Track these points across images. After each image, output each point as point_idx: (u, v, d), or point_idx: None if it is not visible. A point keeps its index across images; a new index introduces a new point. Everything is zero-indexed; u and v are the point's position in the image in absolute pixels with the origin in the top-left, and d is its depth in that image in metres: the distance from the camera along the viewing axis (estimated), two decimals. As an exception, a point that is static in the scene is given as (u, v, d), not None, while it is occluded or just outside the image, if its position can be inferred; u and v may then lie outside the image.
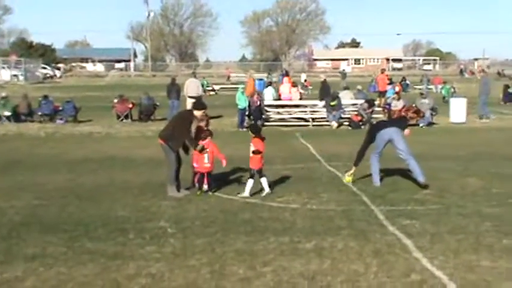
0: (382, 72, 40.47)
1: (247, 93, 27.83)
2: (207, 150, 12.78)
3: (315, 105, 29.34)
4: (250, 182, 12.62)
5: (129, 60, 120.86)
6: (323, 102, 28.65)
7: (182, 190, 12.91)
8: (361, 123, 26.78)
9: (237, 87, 30.16)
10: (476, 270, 8.00)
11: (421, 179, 13.21)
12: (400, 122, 13.51)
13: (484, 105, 30.15)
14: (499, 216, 10.85)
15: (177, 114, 14.49)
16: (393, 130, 13.44)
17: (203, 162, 12.76)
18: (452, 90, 44.35)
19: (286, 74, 32.86)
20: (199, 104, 13.66)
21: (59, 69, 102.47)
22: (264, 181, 12.73)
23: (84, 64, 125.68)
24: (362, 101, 28.24)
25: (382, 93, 36.63)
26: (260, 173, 12.74)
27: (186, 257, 8.69)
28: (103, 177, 15.12)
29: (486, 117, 29.55)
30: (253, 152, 12.68)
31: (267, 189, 12.71)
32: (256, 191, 12.70)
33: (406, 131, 13.57)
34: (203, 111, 13.18)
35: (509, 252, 8.78)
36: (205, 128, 13.20)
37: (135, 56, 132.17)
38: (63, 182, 14.56)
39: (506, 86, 42.38)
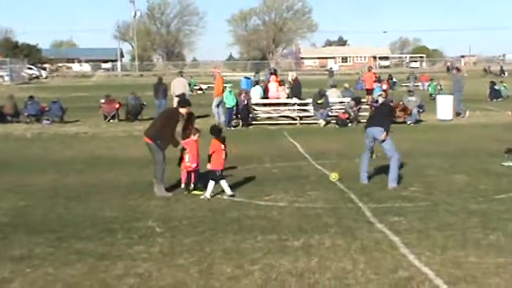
0: (369, 70, 40.56)
1: (216, 93, 27.82)
2: (187, 150, 12.78)
3: (302, 104, 29.37)
4: (211, 184, 12.44)
5: (115, 60, 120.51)
6: (295, 100, 28.75)
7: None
8: (348, 121, 26.83)
9: (225, 86, 30.13)
10: (463, 266, 8.03)
11: (391, 183, 13.16)
12: (384, 122, 13.39)
13: (459, 103, 30.25)
14: (486, 212, 10.91)
15: (163, 113, 14.46)
16: (377, 130, 13.40)
17: (185, 162, 12.78)
18: (439, 87, 44.53)
19: (274, 73, 32.76)
20: (183, 101, 13.70)
21: (44, 69, 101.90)
22: (223, 183, 12.49)
23: (70, 64, 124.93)
24: (349, 99, 28.28)
25: (369, 91, 36.69)
26: (219, 175, 12.50)
27: (174, 256, 8.68)
28: (90, 178, 15.08)
29: (461, 115, 29.65)
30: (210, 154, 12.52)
31: (228, 192, 12.46)
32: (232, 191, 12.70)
33: (383, 135, 13.34)
34: (188, 108, 13.20)
35: (496, 248, 8.83)
36: (191, 127, 13.17)
37: (122, 55, 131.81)
38: (50, 182, 14.51)
39: (492, 83, 42.60)
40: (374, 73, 41.41)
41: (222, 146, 12.48)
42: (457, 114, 29.60)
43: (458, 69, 37.35)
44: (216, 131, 12.69)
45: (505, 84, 43.73)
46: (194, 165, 12.86)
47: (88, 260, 8.52)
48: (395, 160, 13.26)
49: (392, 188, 13.01)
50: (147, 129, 13.30)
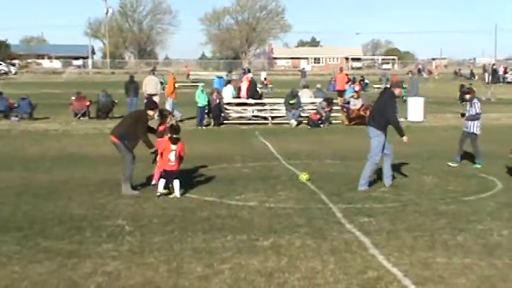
0: (341, 71, 40.70)
1: (167, 93, 27.62)
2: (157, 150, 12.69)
3: (274, 104, 29.41)
4: (163, 181, 12.41)
5: (86, 57, 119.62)
6: (251, 100, 28.73)
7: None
8: (319, 122, 26.90)
9: (197, 85, 30.04)
10: (432, 267, 8.09)
11: (386, 182, 13.30)
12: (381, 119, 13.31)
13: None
14: (454, 213, 11.01)
15: (132, 114, 14.40)
16: (370, 129, 13.39)
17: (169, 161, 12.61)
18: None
19: (247, 73, 32.71)
20: (151, 103, 13.82)
21: (14, 65, 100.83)
22: (177, 184, 12.41)
23: (40, 60, 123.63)
24: (321, 100, 28.36)
25: (341, 92, 36.81)
26: (174, 175, 12.42)
27: (144, 255, 8.63)
28: (59, 175, 14.94)
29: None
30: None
31: (177, 193, 12.37)
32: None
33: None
34: (156, 110, 13.23)
35: (463, 249, 8.91)
36: (167, 126, 13.09)
37: (93, 53, 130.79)
38: (18, 179, 14.34)
39: (462, 86, 43.00)
40: (346, 74, 41.55)
41: (173, 146, 12.36)
42: None
43: (412, 73, 37.69)
44: (171, 130, 12.65)
45: (474, 88, 44.14)
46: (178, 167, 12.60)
47: (56, 259, 8.43)
48: (370, 163, 13.24)
49: (387, 184, 13.24)
50: (114, 128, 13.22)
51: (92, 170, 15.53)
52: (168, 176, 12.35)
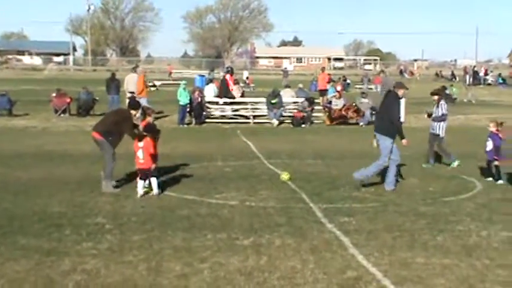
0: (323, 71, 40.72)
1: (137, 93, 27.16)
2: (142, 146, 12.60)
3: (256, 103, 29.40)
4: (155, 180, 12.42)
5: (68, 54, 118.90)
6: (224, 100, 28.65)
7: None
8: (302, 121, 26.91)
9: (179, 83, 29.95)
10: (411, 267, 8.13)
11: (387, 186, 13.20)
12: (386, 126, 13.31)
13: None
14: (434, 214, 11.06)
15: (117, 112, 14.24)
16: (378, 135, 13.35)
17: (138, 159, 12.55)
18: (391, 90, 45.01)
19: (230, 72, 32.59)
20: (134, 103, 13.81)
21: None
22: (154, 183, 12.36)
23: (20, 57, 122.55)
24: (303, 99, 28.38)
25: (323, 92, 36.84)
26: (150, 173, 12.36)
27: (123, 253, 8.59)
28: (39, 172, 14.83)
29: None
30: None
31: (155, 191, 12.32)
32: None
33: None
34: (137, 111, 13.23)
35: (443, 249, 8.96)
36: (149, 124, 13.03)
37: (75, 49, 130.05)
38: (-3, 176, 14.23)
39: (444, 87, 43.21)
40: (328, 74, 41.58)
41: (139, 143, 12.30)
42: None
43: (383, 72, 37.91)
44: (144, 128, 12.64)
45: (454, 89, 44.36)
46: (143, 162, 12.51)
47: (34, 256, 8.37)
48: (376, 165, 13.24)
49: (387, 189, 13.07)
50: (96, 125, 13.20)
51: (72, 168, 15.44)
52: (142, 174, 12.30)
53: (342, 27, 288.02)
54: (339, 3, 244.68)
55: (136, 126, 13.00)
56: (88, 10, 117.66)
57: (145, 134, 12.43)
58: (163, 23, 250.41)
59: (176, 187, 12.93)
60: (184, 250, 8.75)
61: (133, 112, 13.06)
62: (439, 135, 16.69)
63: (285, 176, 13.95)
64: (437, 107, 16.68)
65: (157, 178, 12.41)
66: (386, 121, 13.27)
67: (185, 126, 26.22)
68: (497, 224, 10.40)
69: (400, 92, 13.58)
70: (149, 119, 13.01)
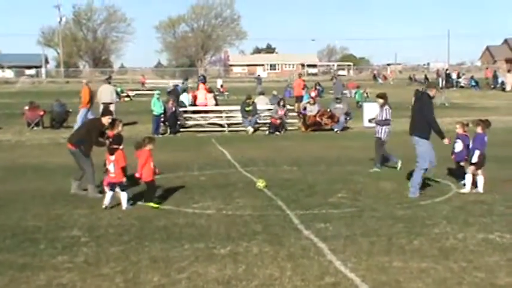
0: (299, 77, 40.81)
1: (82, 104, 26.87)
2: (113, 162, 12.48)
3: (230, 111, 29.39)
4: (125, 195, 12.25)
5: (40, 67, 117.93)
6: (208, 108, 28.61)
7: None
8: (278, 127, 26.92)
9: (153, 93, 29.86)
10: (388, 271, 8.14)
11: (411, 193, 13.10)
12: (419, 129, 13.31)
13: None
14: (411, 218, 11.11)
15: (88, 121, 14.73)
16: (414, 139, 13.44)
17: (109, 172, 12.41)
18: (365, 95, 45.24)
19: (203, 80, 32.55)
20: (107, 111, 14.24)
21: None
22: (124, 197, 12.14)
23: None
24: (275, 105, 28.36)
25: (298, 98, 36.94)
26: (119, 186, 12.20)
27: (100, 266, 8.51)
28: (13, 186, 14.68)
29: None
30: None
31: (124, 205, 12.08)
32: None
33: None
34: (109, 117, 13.45)
35: (420, 253, 8.99)
36: (115, 134, 12.99)
37: (47, 62, 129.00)
38: (-30, 191, 14.05)
39: (418, 91, 43.56)
40: (303, 80, 41.69)
41: (111, 157, 12.22)
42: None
43: (335, 76, 38.05)
44: (112, 140, 12.63)
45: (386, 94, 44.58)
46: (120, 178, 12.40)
47: (8, 272, 8.26)
48: (418, 169, 13.19)
49: (410, 197, 12.95)
50: (70, 136, 13.71)
51: (47, 181, 15.30)
52: (112, 187, 12.20)
53: (315, 34, 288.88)
54: (312, 10, 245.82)
55: (103, 133, 13.12)
56: (60, 22, 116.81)
57: (115, 146, 12.35)
58: (136, 33, 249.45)
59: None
60: (162, 261, 8.70)
61: (104, 120, 13.29)
62: (380, 138, 16.85)
63: (260, 183, 13.94)
64: (381, 111, 16.82)
65: (126, 191, 12.26)
66: (422, 123, 13.24)
67: (160, 136, 26.12)
68: (473, 226, 10.47)
69: (432, 92, 13.75)
70: (119, 130, 13.05)
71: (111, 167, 12.19)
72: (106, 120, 13.33)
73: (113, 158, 12.18)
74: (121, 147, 12.47)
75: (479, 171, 13.44)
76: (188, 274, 8.11)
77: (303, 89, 38.94)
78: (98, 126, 13.31)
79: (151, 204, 12.17)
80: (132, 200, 12.41)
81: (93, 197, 12.83)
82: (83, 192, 13.14)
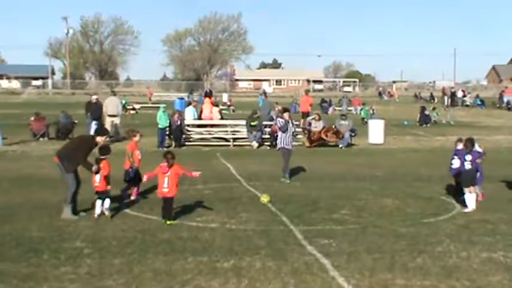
0: (306, 94, 40.77)
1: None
2: (101, 171, 12.55)
3: (236, 125, 29.41)
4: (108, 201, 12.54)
5: (46, 78, 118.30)
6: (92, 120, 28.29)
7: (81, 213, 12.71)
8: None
9: (158, 106, 29.90)
10: (391, 289, 8.14)
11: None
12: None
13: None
14: (414, 235, 11.11)
15: (78, 138, 14.14)
16: None
17: (95, 182, 12.59)
18: (371, 111, 45.22)
19: (209, 94, 32.61)
20: (102, 129, 13.99)
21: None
22: (107, 203, 12.49)
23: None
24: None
25: (305, 114, 36.89)
26: (105, 194, 12.53)
27: (103, 278, 8.53)
28: (17, 197, 14.71)
29: None
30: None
31: (106, 212, 12.47)
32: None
33: None
34: (106, 137, 13.26)
35: (423, 271, 8.99)
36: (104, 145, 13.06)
37: (53, 73, 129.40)
38: (-26, 201, 14.08)
39: (423, 108, 43.54)
40: (310, 96, 41.59)
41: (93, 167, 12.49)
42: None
43: (265, 94, 37.78)
44: (99, 150, 12.83)
45: (436, 111, 44.58)
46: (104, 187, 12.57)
47: (12, 282, 8.29)
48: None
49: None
50: (59, 150, 13.07)
51: (52, 192, 15.30)
52: (99, 196, 12.46)
53: (321, 50, 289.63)
54: (318, 26, 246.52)
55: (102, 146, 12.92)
56: (67, 33, 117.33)
57: (102, 157, 12.55)
58: (142, 46, 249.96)
59: (156, 211, 12.83)
60: (165, 273, 8.72)
61: (99, 139, 12.93)
62: (290, 149, 17.95)
63: (265, 198, 13.95)
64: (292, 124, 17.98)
65: (110, 199, 12.58)
66: None
67: (165, 149, 26.12)
68: (477, 245, 10.46)
69: None
70: (104, 139, 13.06)
71: (96, 177, 12.43)
72: (101, 139, 12.90)
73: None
74: (107, 156, 12.74)
75: (471, 189, 13.51)
76: (191, 287, 8.12)
77: (310, 105, 38.87)
78: (90, 145, 12.81)
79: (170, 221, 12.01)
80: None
81: (66, 218, 12.22)
82: (75, 217, 12.37)
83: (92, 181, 12.52)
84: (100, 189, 12.41)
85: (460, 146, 14.63)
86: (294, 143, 18.90)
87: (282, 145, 17.80)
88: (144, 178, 12.78)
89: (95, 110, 29.67)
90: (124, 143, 15.96)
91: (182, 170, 12.34)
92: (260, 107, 32.62)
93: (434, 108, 45.88)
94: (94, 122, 27.44)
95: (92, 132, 18.48)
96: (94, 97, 30.56)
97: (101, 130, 13.77)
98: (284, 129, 17.69)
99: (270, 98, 66.74)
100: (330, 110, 56.26)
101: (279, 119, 18.42)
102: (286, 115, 18.19)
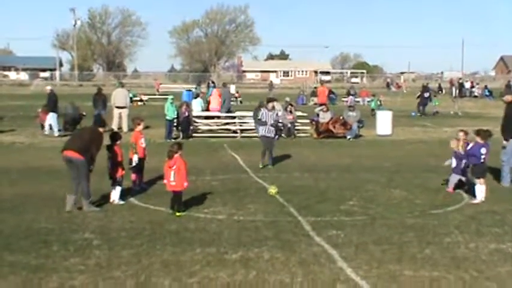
0: (322, 85, 40.71)
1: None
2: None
3: (243, 117, 29.41)
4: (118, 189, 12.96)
5: (54, 69, 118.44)
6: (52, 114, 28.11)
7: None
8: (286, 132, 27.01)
9: (166, 98, 29.91)
10: (399, 280, 8.14)
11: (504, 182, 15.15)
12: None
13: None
14: (422, 226, 11.10)
15: (88, 131, 13.45)
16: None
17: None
18: (378, 103, 45.12)
19: (213, 86, 32.65)
20: (101, 121, 13.90)
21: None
22: (118, 189, 12.98)
23: (6, 72, 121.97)
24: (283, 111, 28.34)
25: (323, 105, 36.84)
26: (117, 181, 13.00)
27: (111, 269, 8.56)
28: (26, 188, 14.76)
29: None
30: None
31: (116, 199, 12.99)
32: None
33: None
34: (105, 127, 13.41)
35: (431, 261, 8.98)
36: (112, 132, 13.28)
37: (61, 65, 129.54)
38: (-17, 193, 14.14)
39: (425, 88, 43.40)
40: (326, 87, 41.52)
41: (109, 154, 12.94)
42: None
43: (224, 85, 36.79)
44: (115, 138, 13.18)
45: (435, 101, 44.44)
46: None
47: (21, 273, 8.33)
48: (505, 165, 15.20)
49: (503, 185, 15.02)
50: (72, 144, 12.58)
51: (60, 183, 15.32)
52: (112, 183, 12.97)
53: (328, 41, 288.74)
54: (326, 17, 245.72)
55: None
56: (74, 25, 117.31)
57: (112, 144, 12.94)
58: (150, 37, 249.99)
59: (164, 202, 12.87)
60: (173, 265, 8.74)
61: (101, 130, 13.07)
62: (274, 138, 19.01)
63: (272, 189, 13.96)
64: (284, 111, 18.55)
65: (121, 187, 13.01)
66: None
67: (172, 140, 26.15)
68: (485, 236, 10.45)
69: None
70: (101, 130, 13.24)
71: (110, 163, 12.78)
72: (102, 130, 13.07)
73: (110, 154, 12.83)
74: (118, 142, 13.03)
75: (481, 181, 13.49)
76: (199, 278, 8.14)
77: (328, 95, 38.70)
78: (101, 137, 12.74)
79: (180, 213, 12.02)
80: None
81: (91, 210, 12.17)
82: (97, 209, 12.35)
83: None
84: (114, 175, 12.78)
85: (454, 144, 14.55)
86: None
87: (263, 133, 18.56)
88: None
89: (102, 101, 29.78)
90: (130, 134, 16.00)
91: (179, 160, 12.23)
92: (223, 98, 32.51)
93: (434, 96, 45.65)
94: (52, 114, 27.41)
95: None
96: (48, 87, 30.75)
97: (100, 121, 13.80)
98: (262, 123, 18.54)
99: (277, 90, 66.85)
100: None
101: (262, 109, 19.28)
102: (270, 105, 18.92)
